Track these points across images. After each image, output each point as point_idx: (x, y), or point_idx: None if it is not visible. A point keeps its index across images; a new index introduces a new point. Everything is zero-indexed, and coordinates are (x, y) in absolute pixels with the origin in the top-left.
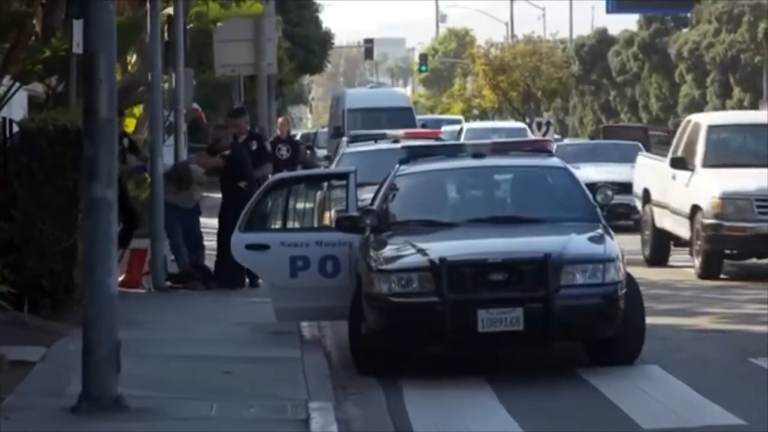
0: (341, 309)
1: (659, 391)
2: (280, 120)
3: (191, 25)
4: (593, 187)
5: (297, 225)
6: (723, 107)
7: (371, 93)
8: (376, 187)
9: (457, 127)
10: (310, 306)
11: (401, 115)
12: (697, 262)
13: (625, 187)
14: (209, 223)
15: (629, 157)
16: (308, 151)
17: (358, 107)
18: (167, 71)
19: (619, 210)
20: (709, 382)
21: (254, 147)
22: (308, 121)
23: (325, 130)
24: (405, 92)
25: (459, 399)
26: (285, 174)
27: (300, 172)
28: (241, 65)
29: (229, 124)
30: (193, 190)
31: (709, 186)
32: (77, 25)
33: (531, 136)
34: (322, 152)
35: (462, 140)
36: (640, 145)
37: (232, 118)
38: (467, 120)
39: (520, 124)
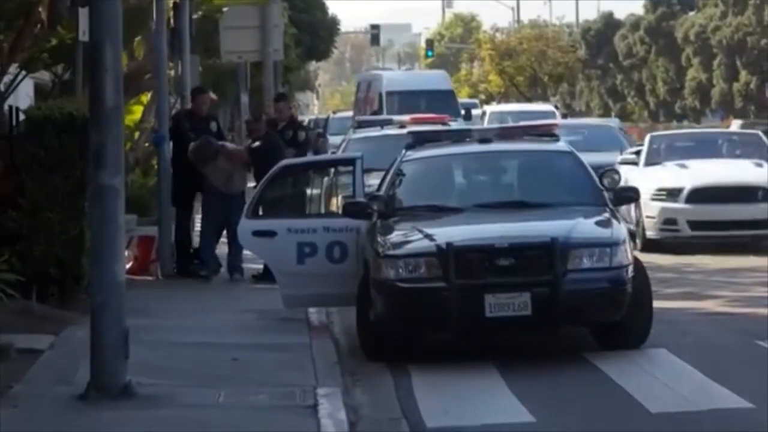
0: (349, 295)
1: (667, 374)
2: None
3: (199, 13)
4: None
5: (304, 211)
6: (730, 91)
7: (410, 75)
8: (382, 173)
9: (476, 111)
10: (318, 292)
11: (442, 99)
12: None
13: (754, 193)
14: None
15: (747, 152)
16: (320, 139)
17: (397, 90)
18: (173, 58)
19: (625, 194)
20: (716, 366)
21: (290, 135)
22: (315, 107)
23: (338, 115)
24: (446, 74)
25: (467, 384)
26: (292, 160)
27: (307, 158)
28: (248, 52)
29: (274, 109)
30: (237, 175)
31: None
32: (83, 13)
33: (560, 120)
34: (335, 139)
35: (485, 124)
36: (762, 135)
37: (275, 103)
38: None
39: (547, 107)
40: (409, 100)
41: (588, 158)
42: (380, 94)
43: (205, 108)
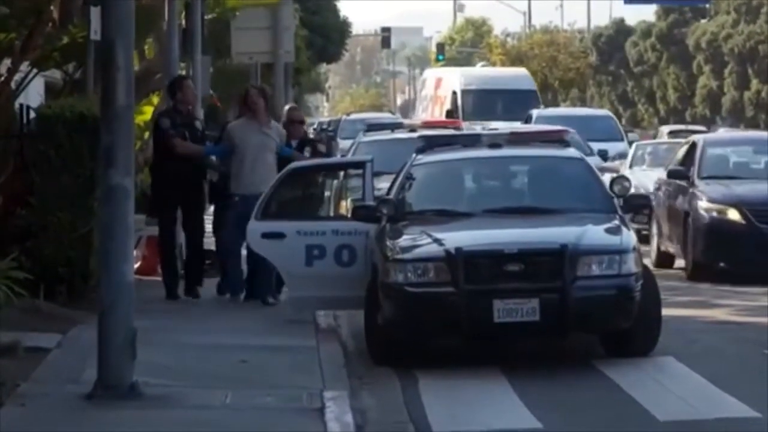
0: (357, 298)
1: (675, 382)
2: (287, 107)
3: (212, 15)
4: None
5: (313, 214)
6: (741, 99)
7: (489, 72)
8: (392, 177)
9: None
10: (326, 295)
11: (523, 99)
12: None
13: None
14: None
15: None
16: (332, 142)
17: (474, 88)
18: (184, 59)
19: (636, 201)
20: (724, 374)
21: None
22: (324, 109)
23: (351, 117)
24: (527, 73)
25: (474, 389)
26: (301, 163)
27: (316, 160)
28: (259, 53)
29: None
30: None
31: None
32: (95, 12)
33: (620, 126)
34: (345, 143)
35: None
36: None
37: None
38: None
39: (604, 111)
40: (487, 99)
41: None
42: (454, 93)
43: (192, 99)
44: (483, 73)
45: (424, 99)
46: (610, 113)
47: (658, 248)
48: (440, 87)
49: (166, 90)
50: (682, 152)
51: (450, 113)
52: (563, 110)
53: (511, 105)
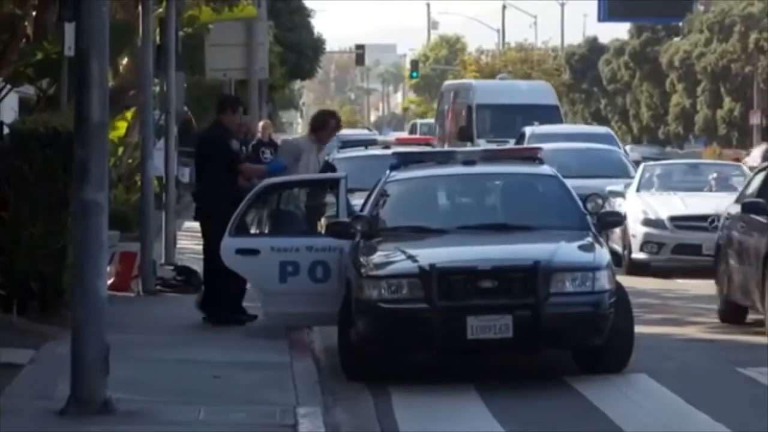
0: (331, 314)
1: (647, 399)
2: (261, 123)
3: (187, 30)
4: None
5: (287, 230)
6: (713, 117)
7: (507, 86)
8: (366, 193)
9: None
10: (300, 311)
11: (544, 115)
12: None
13: None
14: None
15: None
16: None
17: (491, 103)
18: (158, 75)
19: (609, 218)
20: (696, 392)
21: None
22: (298, 126)
23: None
24: (549, 87)
25: (447, 405)
26: (276, 178)
27: (290, 177)
28: (233, 69)
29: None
30: None
31: None
32: (69, 28)
33: (621, 145)
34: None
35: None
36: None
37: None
38: None
39: (604, 129)
40: (504, 115)
41: None
42: (469, 107)
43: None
44: (500, 87)
45: (440, 114)
46: (610, 131)
47: (726, 298)
48: (456, 101)
49: (216, 106)
50: (758, 181)
51: (463, 130)
52: (560, 127)
53: (531, 121)
